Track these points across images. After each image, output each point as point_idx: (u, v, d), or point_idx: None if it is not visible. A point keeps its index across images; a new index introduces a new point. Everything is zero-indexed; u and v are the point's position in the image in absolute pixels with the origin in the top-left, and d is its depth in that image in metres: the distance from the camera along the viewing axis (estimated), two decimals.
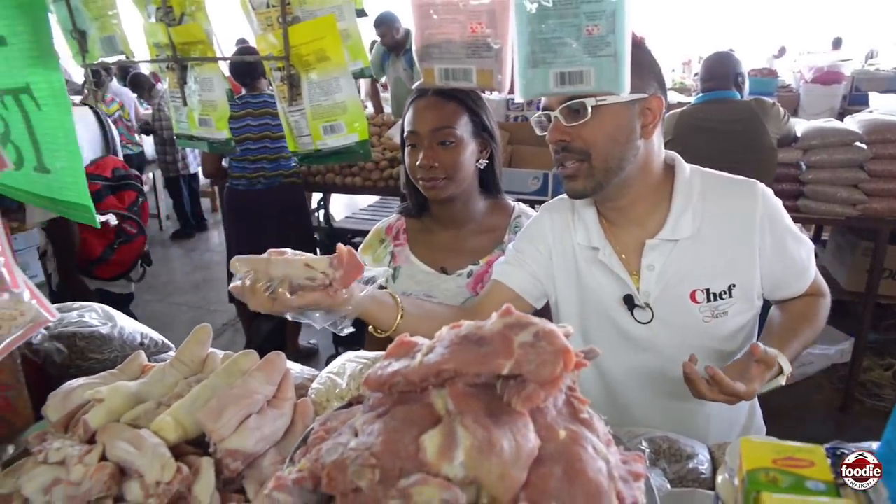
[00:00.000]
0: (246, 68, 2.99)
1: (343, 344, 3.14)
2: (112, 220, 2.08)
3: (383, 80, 5.46)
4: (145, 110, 5.91)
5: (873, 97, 3.79)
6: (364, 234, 1.57)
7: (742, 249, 1.08)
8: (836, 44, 8.23)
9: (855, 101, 5.88)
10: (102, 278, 2.39)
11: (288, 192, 3.21)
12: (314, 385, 1.00)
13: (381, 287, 1.08)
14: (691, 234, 1.08)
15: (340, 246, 0.92)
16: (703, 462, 0.92)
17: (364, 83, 5.72)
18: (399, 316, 1.07)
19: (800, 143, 2.59)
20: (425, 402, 0.59)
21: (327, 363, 1.07)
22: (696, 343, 1.09)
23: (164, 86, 1.72)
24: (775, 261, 1.10)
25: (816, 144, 2.56)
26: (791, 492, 0.55)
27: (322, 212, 4.02)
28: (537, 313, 0.93)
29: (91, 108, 2.48)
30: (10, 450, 0.94)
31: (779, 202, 1.11)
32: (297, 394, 0.95)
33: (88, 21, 1.32)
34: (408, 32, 4.60)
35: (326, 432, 0.67)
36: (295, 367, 1.09)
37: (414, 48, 0.93)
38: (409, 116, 1.33)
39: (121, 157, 2.50)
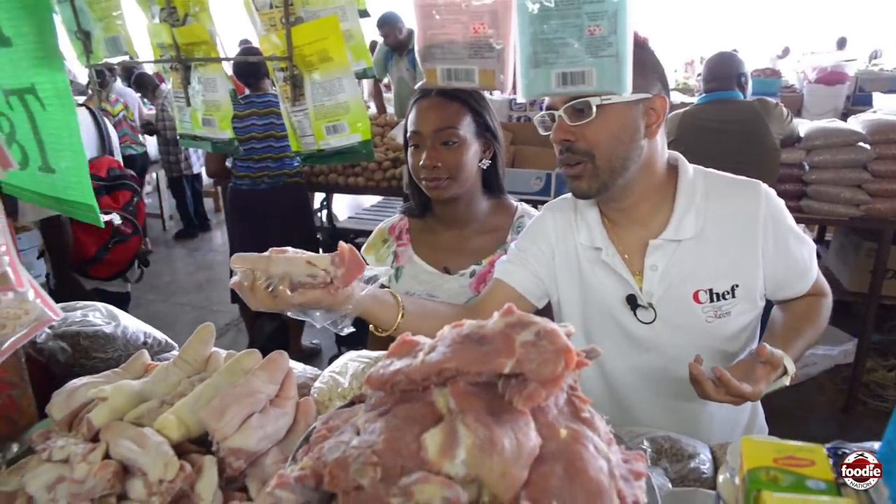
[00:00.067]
0: (249, 69, 3.00)
1: (346, 344, 3.15)
2: (116, 219, 2.09)
3: (386, 80, 5.47)
4: (149, 111, 5.91)
5: (877, 97, 3.78)
6: (367, 234, 1.57)
7: (745, 250, 1.08)
8: (840, 44, 8.21)
9: (859, 101, 5.88)
10: (98, 278, 2.39)
11: (291, 192, 3.21)
12: (317, 384, 1.00)
13: (383, 286, 1.08)
14: (694, 234, 1.08)
15: (342, 243, 0.92)
16: (704, 462, 0.92)
17: (367, 83, 5.73)
18: (400, 315, 1.07)
19: (803, 143, 2.59)
20: (427, 400, 0.59)
21: (330, 363, 1.07)
22: (699, 343, 1.09)
23: (167, 86, 1.73)
24: (778, 261, 1.09)
25: (820, 145, 2.55)
26: (792, 491, 0.55)
27: (325, 212, 4.03)
28: (538, 313, 0.93)
29: (87, 108, 2.48)
30: (15, 448, 0.95)
31: (782, 203, 1.11)
32: (300, 393, 0.95)
33: (93, 22, 1.33)
34: (411, 33, 4.60)
35: (329, 431, 0.68)
36: (297, 367, 1.09)
37: (416, 48, 0.93)
38: (412, 117, 1.33)
39: (118, 158, 2.49)
